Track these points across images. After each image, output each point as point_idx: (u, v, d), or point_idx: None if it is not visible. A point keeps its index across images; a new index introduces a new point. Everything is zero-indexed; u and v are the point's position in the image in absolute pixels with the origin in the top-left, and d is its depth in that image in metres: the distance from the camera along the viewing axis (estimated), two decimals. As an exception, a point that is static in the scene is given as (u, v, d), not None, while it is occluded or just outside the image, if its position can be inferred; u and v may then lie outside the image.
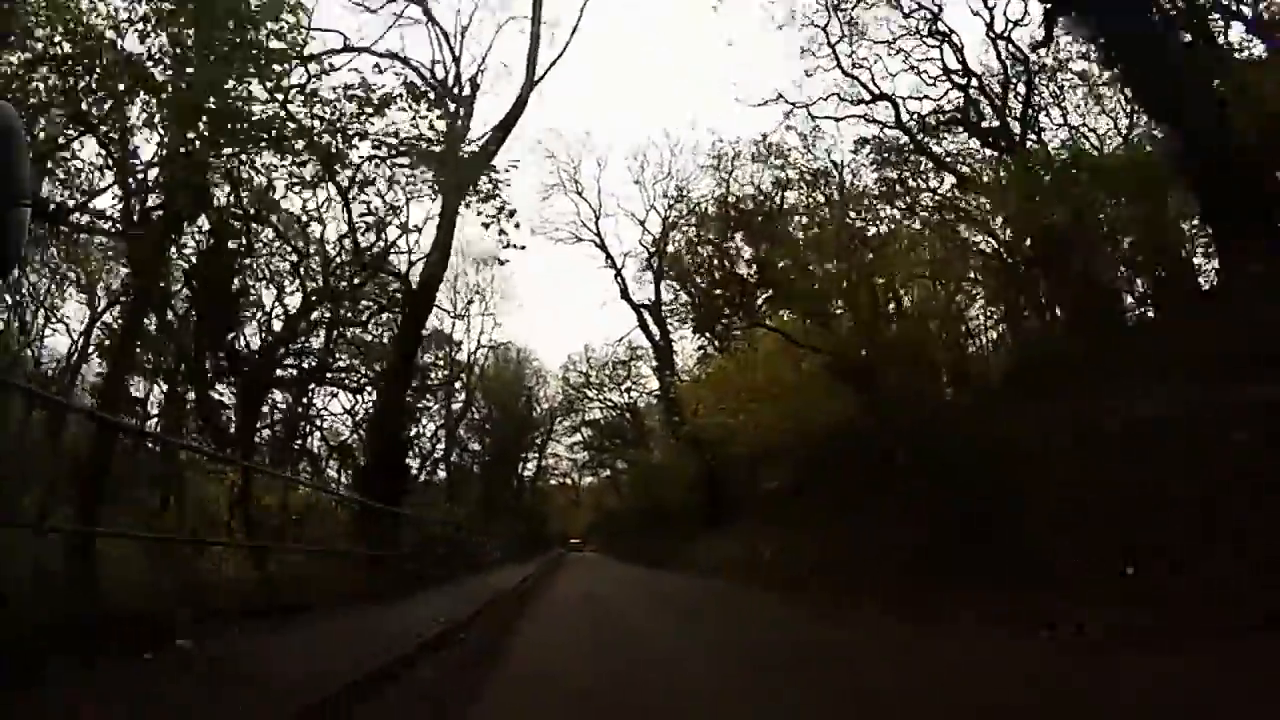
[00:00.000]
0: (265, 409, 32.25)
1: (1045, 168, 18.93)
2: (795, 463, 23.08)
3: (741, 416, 24.65)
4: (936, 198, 25.44)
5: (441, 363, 40.32)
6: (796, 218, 28.82)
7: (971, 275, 22.68)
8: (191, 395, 24.75)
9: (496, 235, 18.91)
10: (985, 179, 23.23)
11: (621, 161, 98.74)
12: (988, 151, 24.39)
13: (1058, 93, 24.04)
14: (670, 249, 37.95)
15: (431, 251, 19.21)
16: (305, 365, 30.11)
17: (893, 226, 24.72)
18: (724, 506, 31.08)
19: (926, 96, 25.54)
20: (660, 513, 40.78)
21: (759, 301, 31.82)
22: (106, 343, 19.19)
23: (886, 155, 26.15)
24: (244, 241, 25.83)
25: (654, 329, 38.11)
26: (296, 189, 25.96)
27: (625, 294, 39.19)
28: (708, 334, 36.07)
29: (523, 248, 19.97)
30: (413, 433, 39.28)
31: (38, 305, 24.08)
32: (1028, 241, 19.93)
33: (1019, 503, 10.98)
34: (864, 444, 21.83)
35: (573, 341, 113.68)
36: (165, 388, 26.07)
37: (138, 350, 17.71)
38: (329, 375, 29.07)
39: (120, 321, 17.48)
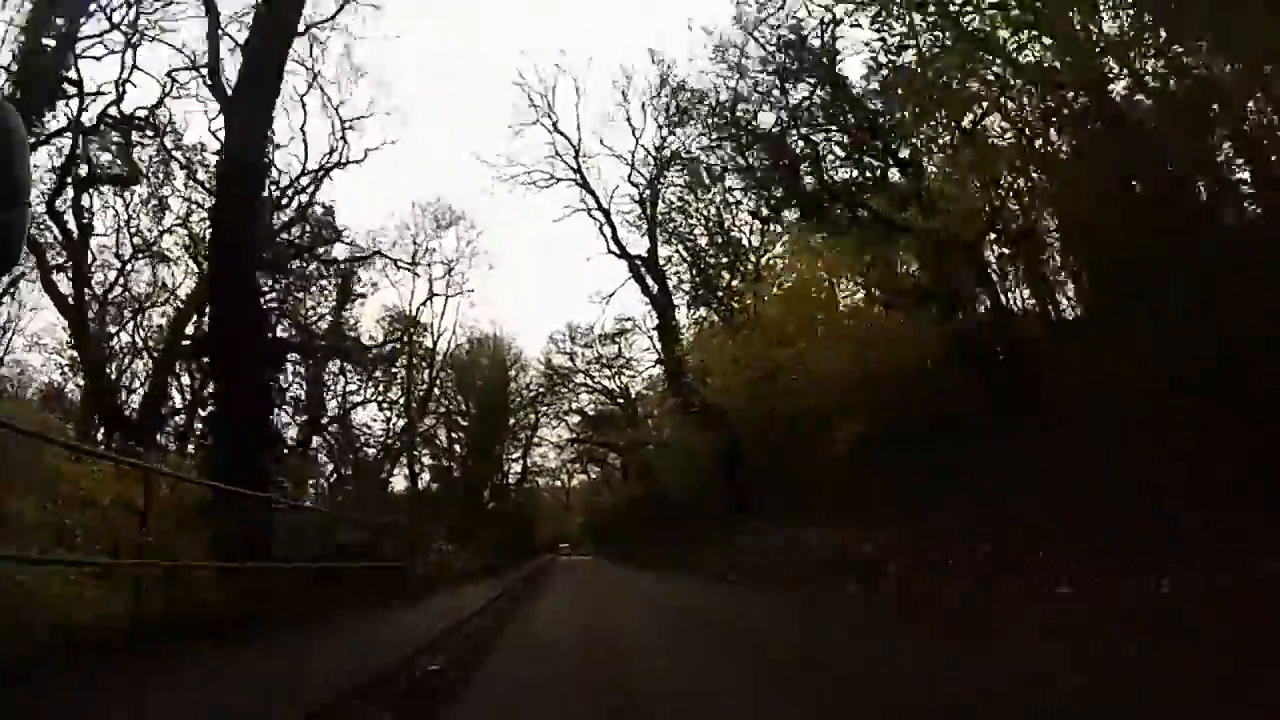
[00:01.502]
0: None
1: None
2: (862, 421, 16.98)
3: (805, 349, 18.61)
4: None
5: (398, 343, 34.09)
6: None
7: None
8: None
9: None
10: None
11: (603, 89, 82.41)
12: None
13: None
14: (665, 198, 31.87)
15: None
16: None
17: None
18: (751, 493, 24.97)
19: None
20: (666, 507, 34.55)
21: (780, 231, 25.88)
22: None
23: None
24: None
25: (650, 282, 31.77)
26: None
27: (615, 240, 32.81)
28: (711, 302, 29.99)
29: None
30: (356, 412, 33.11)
31: None
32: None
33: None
34: (961, 383, 15.77)
35: (554, 319, 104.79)
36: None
37: None
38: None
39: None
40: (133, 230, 23.73)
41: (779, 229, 25.74)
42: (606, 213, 32.90)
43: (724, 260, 30.47)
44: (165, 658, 5.88)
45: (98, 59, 19.27)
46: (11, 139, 1.82)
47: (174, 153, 21.92)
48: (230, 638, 7.06)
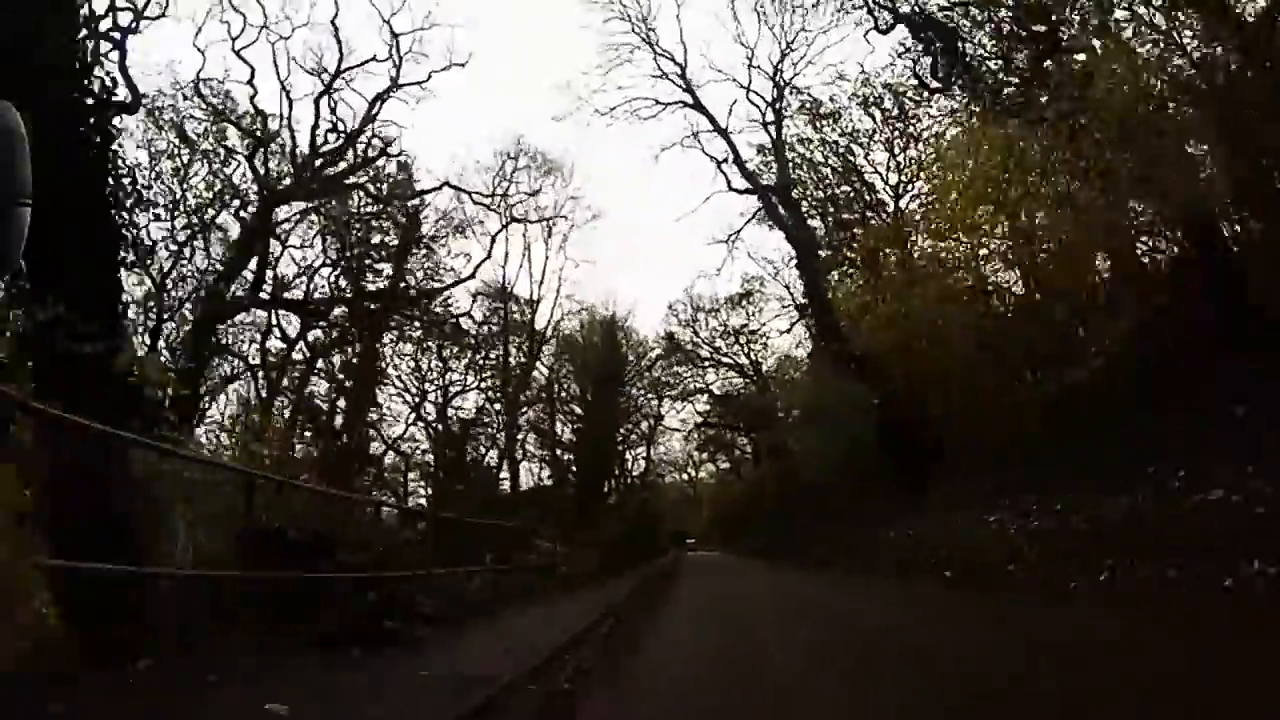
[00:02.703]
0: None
1: None
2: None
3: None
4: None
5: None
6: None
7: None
8: None
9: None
10: None
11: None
12: None
13: None
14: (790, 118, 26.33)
15: None
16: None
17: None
18: (920, 466, 19.30)
19: None
20: (805, 493, 29.01)
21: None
22: None
23: None
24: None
25: (784, 213, 26.03)
26: None
27: (739, 163, 27.10)
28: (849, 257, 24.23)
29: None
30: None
31: None
32: None
33: None
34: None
35: (668, 282, 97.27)
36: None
37: None
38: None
39: None
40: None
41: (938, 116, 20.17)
42: (726, 134, 27.27)
43: (856, 212, 25.18)
44: None
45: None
46: (12, 138, 1.75)
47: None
48: None
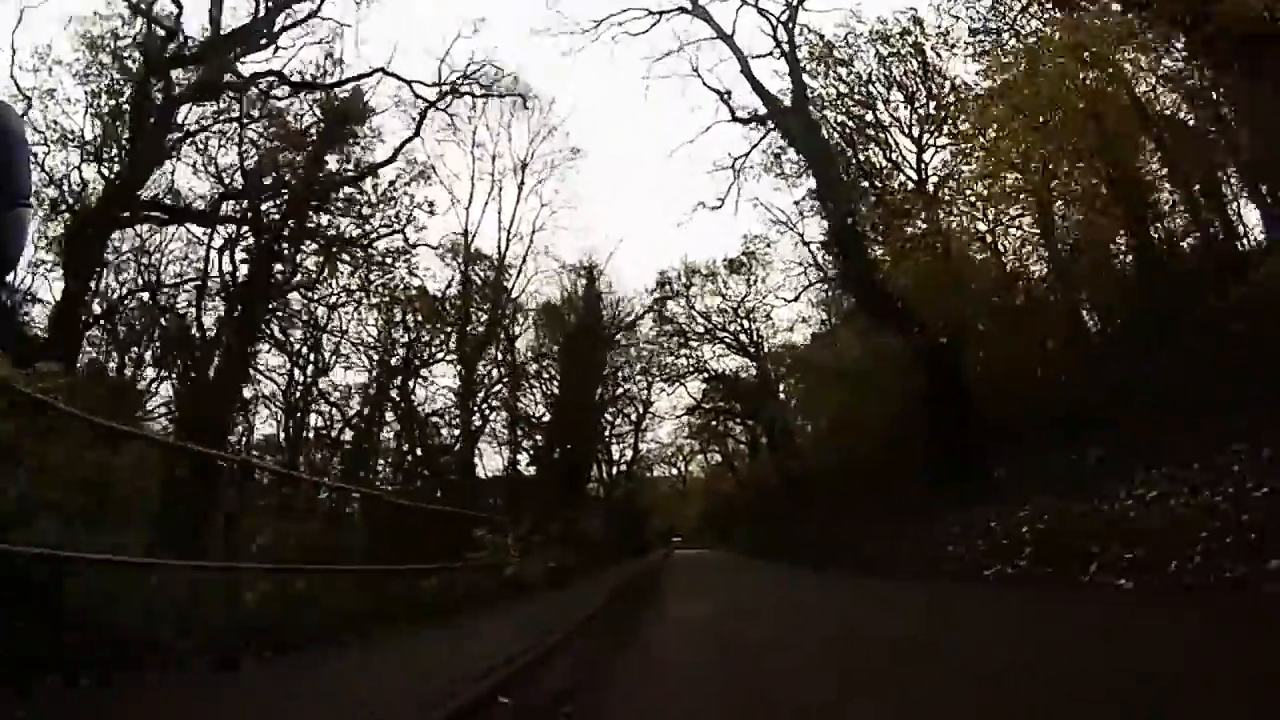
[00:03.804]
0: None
1: None
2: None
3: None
4: None
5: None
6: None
7: None
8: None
9: None
10: None
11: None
12: None
13: None
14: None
15: None
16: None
17: None
18: (982, 439, 14.82)
19: None
20: (822, 476, 24.41)
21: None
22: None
23: None
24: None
25: (803, 137, 21.17)
26: None
27: (749, 75, 22.39)
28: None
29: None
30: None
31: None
32: None
33: None
34: None
35: (660, 240, 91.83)
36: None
37: None
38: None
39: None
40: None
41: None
42: (732, 42, 22.53)
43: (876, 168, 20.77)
44: None
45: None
46: (12, 139, 1.70)
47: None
48: None
